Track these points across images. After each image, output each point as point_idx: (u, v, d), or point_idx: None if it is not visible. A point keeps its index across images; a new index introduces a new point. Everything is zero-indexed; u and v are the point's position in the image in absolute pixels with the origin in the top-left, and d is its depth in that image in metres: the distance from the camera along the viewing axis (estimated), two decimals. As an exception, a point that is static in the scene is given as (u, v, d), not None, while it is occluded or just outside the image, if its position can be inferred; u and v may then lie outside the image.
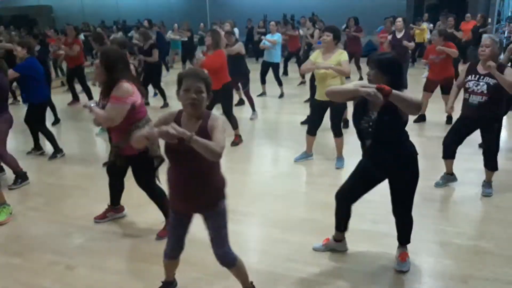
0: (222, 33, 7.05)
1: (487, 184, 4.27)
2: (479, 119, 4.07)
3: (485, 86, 3.94)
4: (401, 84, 2.69)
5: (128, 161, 3.53)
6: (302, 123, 6.79)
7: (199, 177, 2.38)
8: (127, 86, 3.27)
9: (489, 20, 12.47)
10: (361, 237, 3.51)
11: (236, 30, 12.06)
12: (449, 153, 4.37)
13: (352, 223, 3.71)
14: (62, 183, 4.96)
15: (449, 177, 4.49)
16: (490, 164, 4.21)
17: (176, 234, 2.61)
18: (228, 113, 5.94)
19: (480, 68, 4.02)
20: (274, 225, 3.80)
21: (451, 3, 13.93)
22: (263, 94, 9.27)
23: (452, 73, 6.65)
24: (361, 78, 9.96)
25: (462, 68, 6.14)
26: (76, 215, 4.09)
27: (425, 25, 11.70)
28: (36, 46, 7.74)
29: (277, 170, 5.27)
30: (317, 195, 4.38)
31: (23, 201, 4.48)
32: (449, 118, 6.50)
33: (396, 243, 3.23)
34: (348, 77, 5.38)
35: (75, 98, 8.89)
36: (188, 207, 2.53)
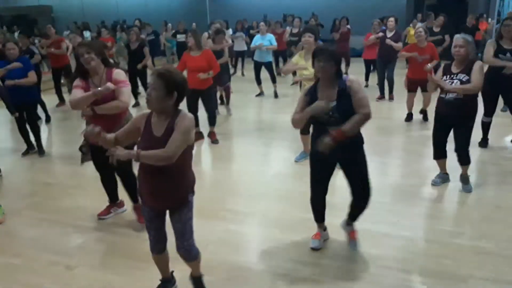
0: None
1: (465, 178, 4.30)
2: (455, 116, 4.11)
3: (458, 83, 4.00)
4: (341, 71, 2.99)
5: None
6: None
7: (167, 175, 2.39)
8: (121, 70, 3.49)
9: (489, 20, 12.45)
10: (361, 237, 3.50)
11: (230, 31, 12.06)
12: (440, 154, 4.40)
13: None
14: (61, 183, 4.96)
15: (445, 176, 4.50)
16: (464, 159, 4.25)
17: (154, 226, 2.62)
18: (213, 112, 6.10)
19: (453, 68, 4.11)
20: (274, 225, 3.79)
21: (451, 3, 13.93)
22: (261, 94, 9.27)
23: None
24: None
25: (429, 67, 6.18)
26: (76, 215, 4.09)
27: (419, 25, 11.66)
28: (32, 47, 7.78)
29: (277, 170, 5.27)
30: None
31: (22, 201, 4.47)
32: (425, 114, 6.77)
33: (396, 243, 3.24)
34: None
35: (62, 100, 8.80)
36: (157, 204, 2.55)
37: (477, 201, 4.17)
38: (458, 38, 4.08)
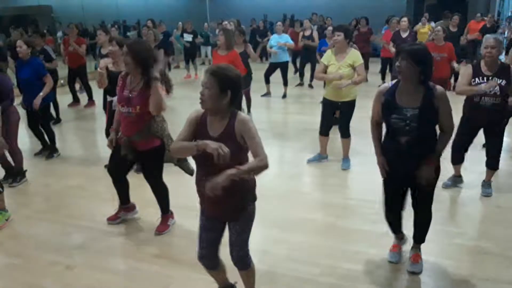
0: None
1: (487, 184, 4.26)
2: (489, 122, 4.01)
3: (497, 88, 3.86)
4: (430, 75, 2.67)
5: (140, 156, 3.52)
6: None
7: (231, 184, 2.19)
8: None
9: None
10: (361, 237, 3.51)
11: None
12: (458, 159, 4.34)
13: (352, 223, 3.73)
14: (62, 183, 4.95)
15: (458, 179, 4.46)
16: (494, 163, 4.18)
17: (208, 238, 2.46)
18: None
19: (484, 69, 3.93)
20: (274, 225, 3.79)
21: (451, 3, 13.92)
22: (267, 94, 9.15)
23: (448, 75, 6.51)
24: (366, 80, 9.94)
25: (457, 67, 6.10)
26: (76, 215, 4.08)
27: (428, 25, 11.63)
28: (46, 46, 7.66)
29: (280, 170, 5.26)
30: (320, 196, 4.36)
31: (23, 201, 4.47)
32: None
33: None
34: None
35: (76, 99, 8.76)
36: (217, 212, 2.41)
37: (477, 201, 4.17)
38: (489, 38, 3.91)
